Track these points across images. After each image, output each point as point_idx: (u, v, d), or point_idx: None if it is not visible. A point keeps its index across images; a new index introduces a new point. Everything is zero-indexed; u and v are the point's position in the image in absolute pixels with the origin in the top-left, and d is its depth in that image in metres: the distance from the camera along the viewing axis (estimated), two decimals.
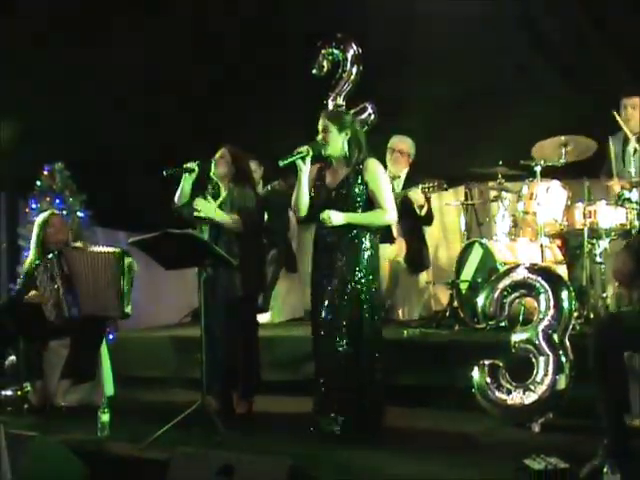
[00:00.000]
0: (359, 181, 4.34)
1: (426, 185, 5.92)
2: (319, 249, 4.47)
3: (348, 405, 4.28)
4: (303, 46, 7.00)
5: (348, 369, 4.28)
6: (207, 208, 4.89)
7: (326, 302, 4.36)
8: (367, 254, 4.35)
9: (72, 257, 5.30)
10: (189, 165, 4.94)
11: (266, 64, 7.05)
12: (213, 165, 5.01)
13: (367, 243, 4.36)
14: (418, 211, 6.06)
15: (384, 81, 7.05)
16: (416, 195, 5.98)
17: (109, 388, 5.47)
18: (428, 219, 6.24)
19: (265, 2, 6.87)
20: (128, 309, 5.41)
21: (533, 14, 6.57)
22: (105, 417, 4.47)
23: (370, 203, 4.37)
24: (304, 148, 4.35)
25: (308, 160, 4.37)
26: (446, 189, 5.99)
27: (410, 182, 6.15)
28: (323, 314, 4.37)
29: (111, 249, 5.51)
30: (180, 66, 7.04)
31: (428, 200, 6.08)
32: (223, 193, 5.03)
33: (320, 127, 4.41)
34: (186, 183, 4.97)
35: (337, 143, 4.37)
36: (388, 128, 6.74)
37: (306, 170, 4.39)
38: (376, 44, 6.97)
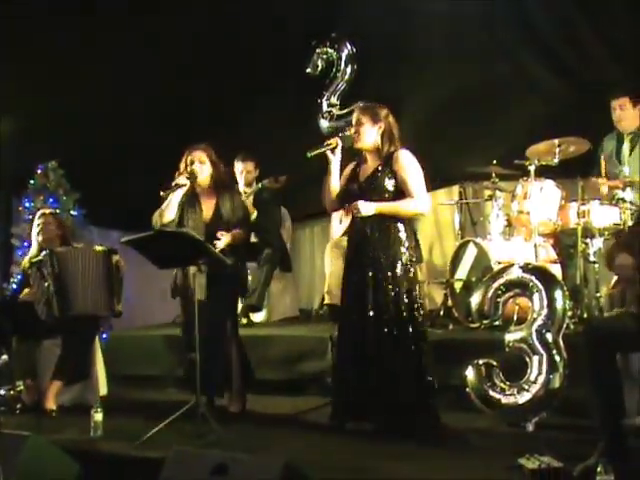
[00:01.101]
0: (388, 172, 4.33)
1: None
2: (356, 242, 4.44)
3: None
4: (299, 45, 7.00)
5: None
6: (225, 242, 4.77)
7: (370, 297, 4.29)
8: (403, 246, 4.33)
9: (63, 256, 5.28)
10: (180, 181, 4.78)
11: (260, 64, 7.04)
12: (196, 172, 4.84)
13: (402, 235, 4.34)
14: None
15: (378, 81, 7.05)
16: None
17: (102, 387, 5.45)
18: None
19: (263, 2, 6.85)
20: (119, 307, 5.40)
21: (528, 14, 6.57)
22: (98, 416, 4.45)
23: (401, 194, 4.35)
24: (333, 140, 4.39)
25: (338, 151, 4.40)
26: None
27: None
28: (371, 313, 4.28)
29: (97, 247, 5.50)
30: (177, 67, 7.02)
31: None
32: (208, 203, 4.92)
33: (354, 120, 4.42)
34: (175, 198, 4.79)
35: (370, 136, 4.38)
36: None
37: (336, 161, 4.41)
38: (370, 44, 6.97)
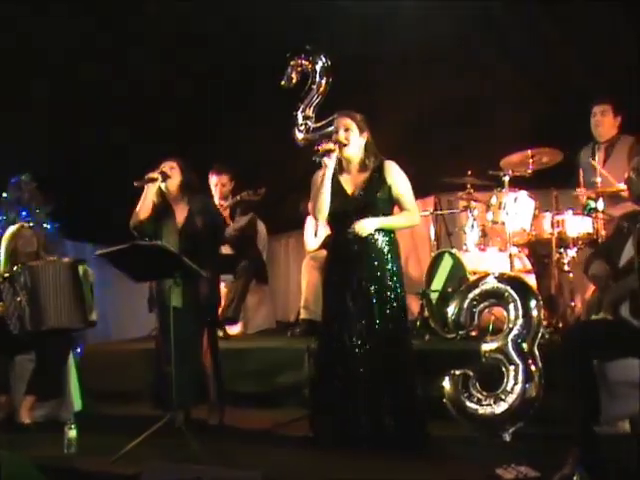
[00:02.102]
0: (381, 185, 4.29)
1: None
2: (341, 257, 4.35)
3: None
4: (272, 58, 7.01)
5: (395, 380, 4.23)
6: None
7: (361, 312, 4.25)
8: (394, 257, 4.33)
9: (36, 270, 5.24)
10: (152, 175, 4.87)
11: (234, 77, 7.04)
12: (162, 177, 4.90)
13: (391, 246, 4.33)
14: None
15: (353, 93, 7.07)
16: None
17: (77, 403, 5.39)
18: None
19: (236, 16, 6.85)
20: (93, 316, 5.36)
21: (501, 28, 6.63)
22: (72, 433, 4.40)
23: (393, 206, 4.34)
24: (331, 145, 4.26)
25: (334, 156, 4.27)
26: None
27: None
28: (358, 328, 4.23)
29: (64, 259, 5.47)
30: (150, 80, 7.00)
31: None
32: (180, 210, 4.96)
33: (342, 126, 4.31)
34: (149, 194, 4.88)
35: (357, 144, 4.31)
36: None
37: (332, 167, 4.28)
38: (345, 56, 6.99)
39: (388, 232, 4.33)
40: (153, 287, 4.94)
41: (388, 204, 4.32)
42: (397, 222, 4.36)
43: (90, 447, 4.42)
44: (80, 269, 5.33)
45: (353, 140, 4.30)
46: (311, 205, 4.44)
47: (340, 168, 4.38)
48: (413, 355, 4.36)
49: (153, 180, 4.88)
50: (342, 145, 4.27)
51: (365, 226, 4.23)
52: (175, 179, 4.96)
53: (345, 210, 4.29)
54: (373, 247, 4.28)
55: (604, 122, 5.65)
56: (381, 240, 4.30)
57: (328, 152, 4.24)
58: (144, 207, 4.89)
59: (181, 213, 4.96)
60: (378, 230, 4.28)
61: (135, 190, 4.90)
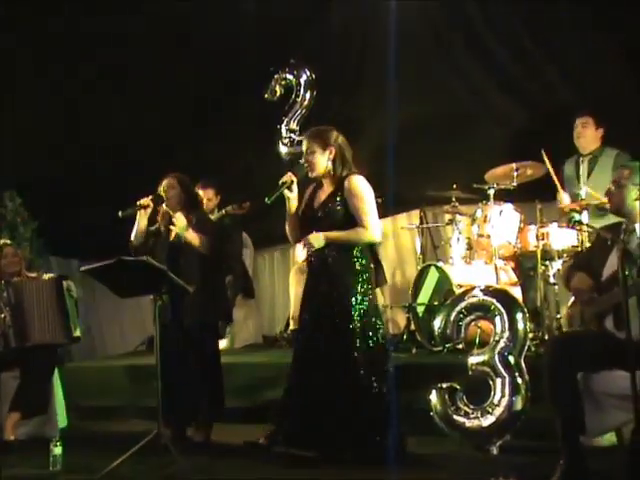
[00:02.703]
0: (341, 198, 4.23)
1: None
2: (315, 269, 4.33)
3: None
4: (256, 72, 7.03)
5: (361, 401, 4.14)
6: (182, 224, 4.80)
7: (327, 329, 4.21)
8: (359, 272, 4.25)
9: (19, 287, 5.21)
10: (143, 202, 4.85)
11: (217, 92, 7.06)
12: (163, 196, 4.94)
13: (358, 261, 4.25)
14: None
15: (338, 106, 7.10)
16: None
17: (62, 420, 5.35)
18: None
19: (221, 31, 6.88)
20: (77, 332, 5.33)
21: (486, 41, 6.68)
22: (57, 450, 4.36)
23: (354, 221, 4.25)
24: (287, 177, 4.25)
25: (294, 187, 4.27)
26: (378, 201, 5.99)
27: None
28: (322, 343, 4.20)
29: (47, 275, 5.44)
30: (135, 96, 7.01)
31: None
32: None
33: (304, 149, 4.31)
34: (142, 220, 4.89)
35: (322, 163, 4.27)
36: None
37: (294, 198, 4.29)
38: (331, 69, 7.02)
39: (347, 248, 4.24)
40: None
41: (347, 219, 4.24)
42: (347, 237, 4.22)
43: (75, 464, 4.39)
44: (64, 285, 5.31)
45: (316, 160, 4.27)
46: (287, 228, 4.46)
47: (318, 183, 4.38)
48: (380, 371, 4.21)
49: (144, 207, 4.85)
50: (306, 170, 4.29)
51: (311, 242, 4.20)
52: (173, 198, 4.94)
53: (308, 224, 4.30)
54: (330, 263, 4.24)
55: (586, 134, 5.69)
56: (338, 256, 4.23)
57: (286, 184, 4.25)
58: (138, 234, 4.90)
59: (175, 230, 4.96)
60: (335, 246, 4.22)
61: (121, 204, 4.89)
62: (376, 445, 4.08)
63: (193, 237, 4.81)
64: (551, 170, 5.66)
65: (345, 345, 4.16)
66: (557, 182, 5.67)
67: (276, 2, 6.87)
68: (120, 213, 4.82)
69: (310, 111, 7.02)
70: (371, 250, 4.43)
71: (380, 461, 4.02)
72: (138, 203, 4.85)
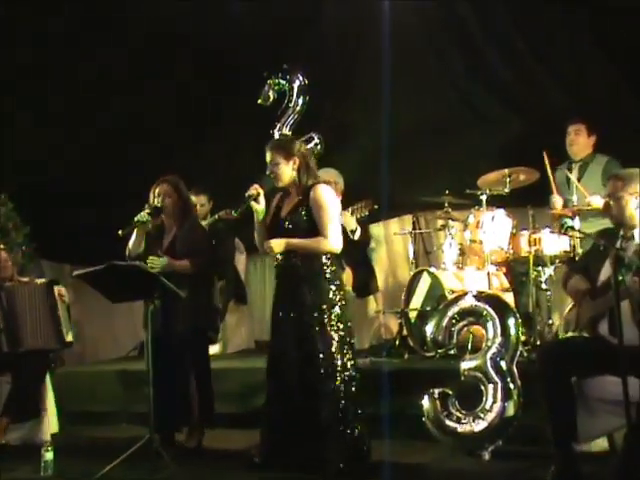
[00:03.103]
0: (306, 207, 4.24)
1: (355, 207, 5.96)
2: (280, 281, 4.34)
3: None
4: (250, 77, 7.03)
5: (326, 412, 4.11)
6: (161, 264, 4.76)
7: (291, 336, 4.20)
8: (328, 279, 4.23)
9: (11, 291, 5.19)
10: (140, 218, 4.80)
11: (212, 96, 7.06)
12: (159, 206, 4.90)
13: (326, 269, 4.24)
14: (351, 235, 6.10)
15: (331, 111, 7.10)
16: (346, 219, 6.02)
17: (53, 425, 5.33)
18: (363, 243, 6.27)
19: (217, 34, 6.89)
20: (69, 337, 5.31)
21: (478, 47, 6.70)
22: (49, 455, 4.34)
23: (317, 230, 4.25)
24: (252, 190, 4.26)
25: (261, 199, 4.28)
26: (375, 208, 6.01)
27: (342, 208, 6.20)
28: (289, 350, 4.20)
29: (39, 280, 5.42)
30: (127, 99, 7.00)
31: (360, 223, 6.11)
32: (170, 233, 4.97)
33: (269, 161, 4.31)
34: (139, 233, 4.87)
35: (287, 173, 4.28)
36: (335, 158, 6.78)
37: (262, 209, 4.30)
38: (324, 74, 7.03)
39: (314, 256, 4.24)
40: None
41: (312, 227, 4.24)
42: (307, 245, 4.21)
43: (67, 470, 4.37)
44: (55, 290, 5.29)
45: (280, 171, 4.28)
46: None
47: (285, 192, 4.38)
48: (346, 381, 4.17)
49: (144, 223, 4.82)
50: (272, 182, 4.30)
51: (272, 246, 4.19)
52: (170, 206, 4.93)
53: (278, 234, 4.27)
54: (292, 272, 4.23)
55: (578, 141, 5.73)
56: (306, 263, 4.23)
57: (252, 197, 4.25)
58: (135, 245, 4.89)
59: (168, 236, 4.96)
60: (298, 255, 4.22)
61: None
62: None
63: (181, 265, 4.80)
64: (549, 172, 5.67)
65: (312, 350, 4.15)
66: (553, 184, 5.68)
67: (269, 4, 6.88)
68: (120, 232, 4.77)
69: (302, 116, 7.01)
70: (338, 258, 4.41)
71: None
72: (136, 220, 4.80)
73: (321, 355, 4.13)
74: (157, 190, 4.95)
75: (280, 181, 4.31)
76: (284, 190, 4.39)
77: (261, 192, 4.28)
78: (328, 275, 4.23)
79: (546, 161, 5.66)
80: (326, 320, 4.17)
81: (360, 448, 4.15)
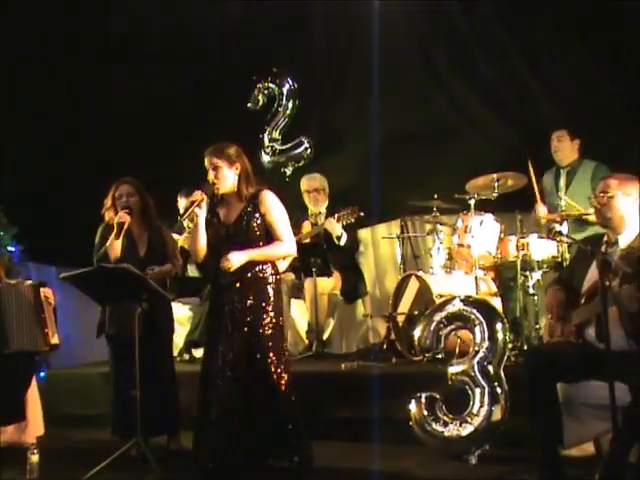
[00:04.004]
0: (256, 214, 4.20)
1: (341, 214, 5.98)
2: (223, 288, 4.25)
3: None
4: (239, 80, 7.04)
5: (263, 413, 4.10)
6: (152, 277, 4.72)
7: (232, 344, 4.15)
8: (272, 286, 4.24)
9: None
10: (121, 219, 4.76)
11: (200, 97, 7.05)
12: (121, 203, 4.84)
13: (270, 275, 4.24)
14: (337, 242, 6.11)
15: (320, 116, 7.12)
16: (331, 225, 6.04)
17: (39, 428, 5.29)
18: (351, 248, 6.28)
19: (204, 38, 6.88)
20: (55, 340, 5.28)
21: (467, 52, 6.73)
22: (35, 458, 4.32)
23: (269, 236, 4.23)
24: (197, 194, 4.19)
25: (204, 205, 4.21)
26: (361, 215, 6.02)
27: (329, 214, 6.23)
28: (230, 356, 4.13)
29: (26, 282, 5.39)
30: (114, 100, 6.99)
31: (348, 229, 6.12)
32: (142, 238, 4.94)
33: (209, 166, 4.23)
34: (119, 235, 4.80)
35: (229, 178, 4.23)
36: (324, 162, 6.81)
37: (203, 216, 4.22)
38: (313, 79, 7.04)
39: (267, 263, 4.23)
40: (107, 310, 4.86)
41: (263, 234, 4.23)
42: (268, 253, 4.22)
43: (52, 473, 4.36)
44: (42, 292, 5.26)
45: (223, 176, 4.22)
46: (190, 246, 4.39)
47: (221, 200, 4.31)
48: (285, 392, 4.16)
49: (123, 224, 4.77)
50: (214, 186, 4.22)
51: (232, 260, 4.12)
52: (136, 204, 4.87)
53: (221, 242, 4.23)
54: (242, 278, 4.18)
55: (562, 147, 5.77)
56: (254, 273, 4.20)
57: (196, 202, 4.18)
58: (114, 249, 4.81)
59: (142, 242, 4.93)
60: (260, 262, 4.20)
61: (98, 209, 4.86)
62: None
63: (162, 272, 4.80)
64: (533, 180, 5.71)
65: (252, 356, 4.13)
66: (537, 193, 5.72)
67: (260, 10, 6.89)
68: (112, 236, 4.75)
69: (292, 120, 7.03)
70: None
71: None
72: (120, 221, 4.76)
73: (264, 360, 4.13)
74: (118, 192, 4.87)
75: (222, 187, 4.24)
76: (217, 198, 4.29)
77: (205, 198, 4.20)
78: (271, 280, 4.23)
79: (530, 170, 5.69)
80: (270, 325, 4.16)
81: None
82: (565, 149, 5.74)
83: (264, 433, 4.09)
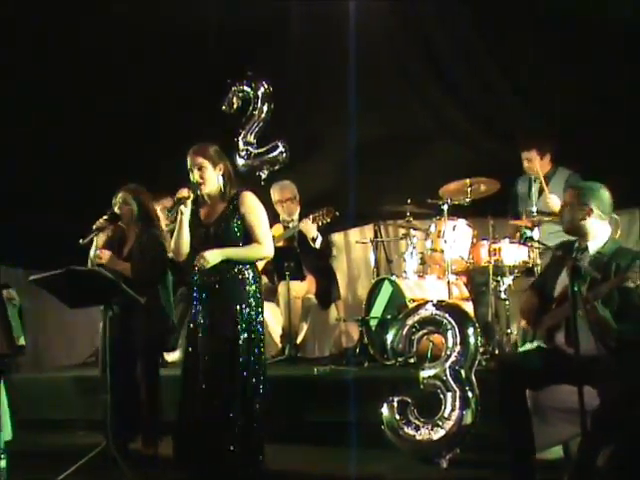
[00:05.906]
0: (236, 215, 4.22)
1: (316, 214, 5.96)
2: (202, 289, 4.26)
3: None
4: (214, 83, 7.02)
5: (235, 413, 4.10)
6: (110, 260, 4.80)
7: (211, 346, 4.15)
8: (252, 289, 4.25)
9: None
10: (99, 224, 4.81)
11: (176, 101, 7.02)
12: (118, 213, 4.90)
13: (251, 278, 4.25)
14: (312, 243, 6.10)
15: (295, 120, 7.11)
16: (306, 226, 6.03)
17: (7, 432, 5.21)
18: (324, 252, 6.27)
19: (187, 39, 6.86)
20: (21, 341, 5.21)
21: (442, 61, 6.77)
22: (3, 463, 4.30)
23: (248, 237, 4.24)
24: (184, 192, 4.18)
25: (189, 203, 4.21)
26: (336, 214, 6.01)
27: (302, 218, 6.22)
28: (207, 357, 4.14)
29: None
30: (97, 104, 6.94)
31: (322, 231, 6.12)
32: (130, 241, 4.95)
33: (194, 166, 4.23)
34: (99, 241, 4.88)
35: (213, 178, 4.24)
36: (298, 167, 6.80)
37: (188, 214, 4.22)
38: (289, 84, 7.04)
39: (237, 262, 4.23)
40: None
41: (243, 235, 4.24)
42: (243, 254, 4.23)
43: (21, 478, 4.33)
44: (4, 293, 5.19)
45: (208, 176, 4.23)
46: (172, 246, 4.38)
47: (202, 200, 4.32)
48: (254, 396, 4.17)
49: (101, 229, 4.83)
50: (199, 186, 4.22)
51: (207, 258, 4.13)
52: (127, 213, 4.91)
53: (201, 242, 4.24)
54: (222, 280, 4.19)
55: (532, 167, 5.76)
56: (230, 270, 4.21)
57: (182, 200, 4.18)
58: (96, 251, 4.87)
59: (128, 244, 4.95)
60: (229, 262, 4.19)
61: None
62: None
63: (121, 266, 4.84)
64: (541, 177, 5.64)
65: (230, 358, 4.13)
66: (545, 186, 5.64)
67: (236, 15, 6.88)
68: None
69: (267, 124, 7.01)
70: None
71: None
72: (95, 227, 4.80)
73: (240, 362, 4.13)
74: (118, 197, 4.94)
75: (206, 187, 4.24)
76: (200, 199, 4.30)
77: (191, 196, 4.20)
78: (251, 280, 4.24)
79: (538, 169, 5.64)
80: (247, 326, 4.17)
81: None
82: (536, 167, 5.72)
83: (230, 434, 4.07)
